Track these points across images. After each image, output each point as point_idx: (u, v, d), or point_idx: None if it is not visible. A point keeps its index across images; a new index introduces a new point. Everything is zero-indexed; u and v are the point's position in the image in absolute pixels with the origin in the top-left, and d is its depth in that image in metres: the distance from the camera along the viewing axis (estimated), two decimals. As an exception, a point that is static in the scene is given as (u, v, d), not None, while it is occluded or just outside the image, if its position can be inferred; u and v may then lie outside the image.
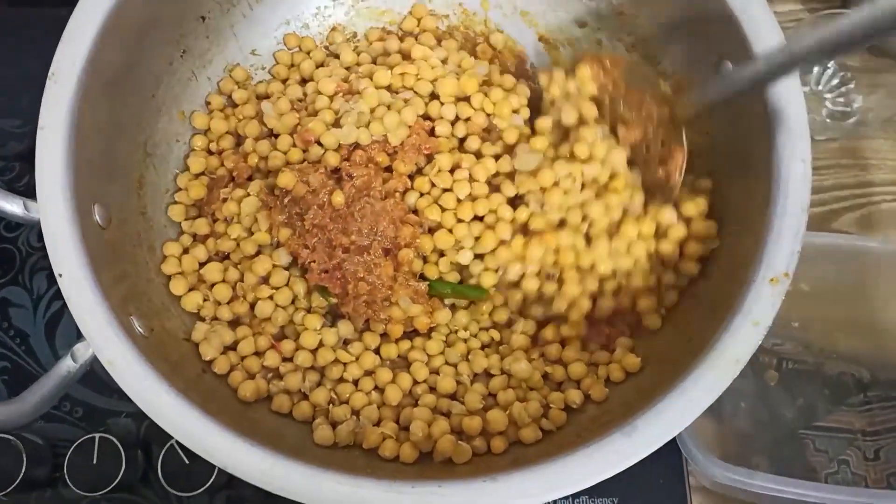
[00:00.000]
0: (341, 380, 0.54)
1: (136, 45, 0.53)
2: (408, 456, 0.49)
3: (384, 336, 0.55)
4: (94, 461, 0.56)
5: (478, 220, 0.55)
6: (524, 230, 0.55)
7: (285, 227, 0.54)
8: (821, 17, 0.68)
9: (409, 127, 0.56)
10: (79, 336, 0.44)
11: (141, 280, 0.52)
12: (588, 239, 0.53)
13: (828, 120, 0.70)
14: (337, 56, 0.62)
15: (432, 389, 0.54)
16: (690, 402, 0.43)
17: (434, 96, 0.59)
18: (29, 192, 0.46)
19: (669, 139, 0.51)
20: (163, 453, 0.56)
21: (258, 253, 0.56)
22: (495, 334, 0.56)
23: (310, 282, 0.54)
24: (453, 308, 0.57)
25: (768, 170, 0.47)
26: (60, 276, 0.44)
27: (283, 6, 0.63)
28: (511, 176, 0.56)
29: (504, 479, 0.42)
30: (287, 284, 0.55)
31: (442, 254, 0.56)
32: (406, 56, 0.61)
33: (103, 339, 0.43)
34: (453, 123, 0.58)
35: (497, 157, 0.57)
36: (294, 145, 0.57)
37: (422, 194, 0.56)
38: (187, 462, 0.56)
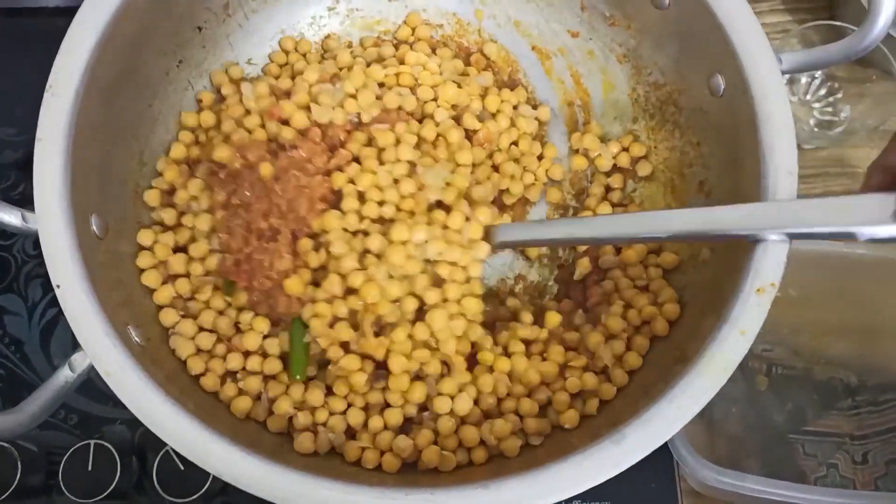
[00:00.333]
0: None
1: (132, 56, 0.53)
2: (391, 466, 0.49)
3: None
4: (90, 468, 0.56)
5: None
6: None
7: (222, 209, 0.54)
8: (808, 28, 0.68)
9: (387, 111, 0.56)
10: (74, 345, 0.44)
11: (136, 289, 0.52)
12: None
13: (815, 129, 0.71)
14: (334, 58, 0.63)
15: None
16: (679, 409, 0.43)
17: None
18: (25, 200, 0.47)
19: None
20: (158, 460, 0.56)
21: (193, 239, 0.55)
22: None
23: (219, 270, 0.53)
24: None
25: (756, 181, 0.48)
26: (58, 287, 0.44)
27: (279, 16, 0.64)
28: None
29: (496, 486, 0.42)
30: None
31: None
32: (402, 62, 0.61)
33: (101, 349, 0.44)
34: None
35: None
36: (262, 125, 0.57)
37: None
38: (182, 469, 0.56)
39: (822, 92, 0.72)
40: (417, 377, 0.52)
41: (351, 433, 0.51)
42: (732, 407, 0.65)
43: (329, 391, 0.52)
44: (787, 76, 0.60)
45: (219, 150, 0.54)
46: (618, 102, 0.62)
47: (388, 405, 0.52)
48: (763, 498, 0.54)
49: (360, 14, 0.65)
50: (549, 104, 0.64)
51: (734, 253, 0.48)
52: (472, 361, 0.54)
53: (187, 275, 0.54)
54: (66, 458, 0.56)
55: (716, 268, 0.52)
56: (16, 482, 0.56)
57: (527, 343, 0.55)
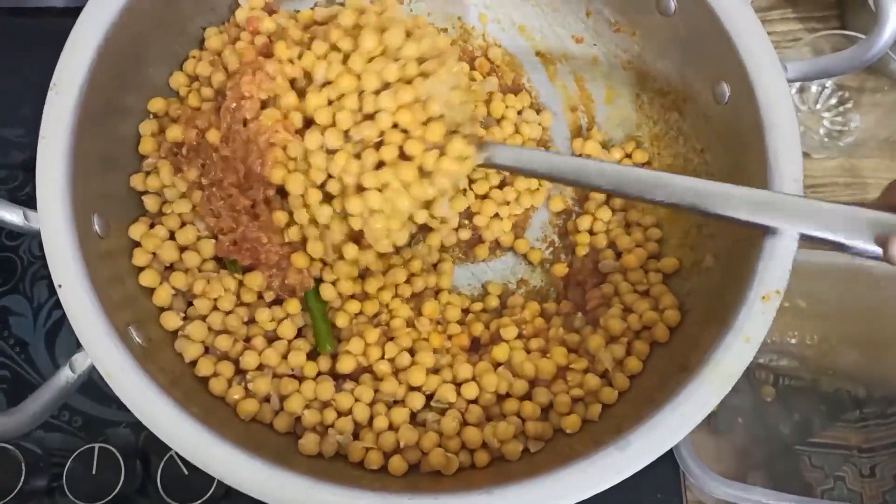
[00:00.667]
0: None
1: (136, 57, 0.53)
2: (397, 468, 0.49)
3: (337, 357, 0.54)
4: (94, 471, 0.56)
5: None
6: None
7: (197, 190, 0.53)
8: (819, 37, 0.68)
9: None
10: (78, 346, 0.44)
11: (138, 289, 0.52)
12: None
13: (825, 139, 0.70)
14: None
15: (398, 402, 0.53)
16: (683, 416, 0.43)
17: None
18: (31, 201, 0.46)
19: None
20: (162, 464, 0.56)
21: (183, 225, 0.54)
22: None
23: (217, 253, 0.53)
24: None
25: (761, 188, 0.47)
26: (60, 286, 0.44)
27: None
28: None
29: (499, 492, 0.42)
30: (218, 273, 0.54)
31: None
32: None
33: (102, 350, 0.44)
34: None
35: None
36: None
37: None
38: (186, 473, 0.56)
39: (833, 101, 0.72)
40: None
41: (356, 434, 0.51)
42: (739, 417, 0.64)
43: (337, 384, 0.53)
44: (796, 85, 0.60)
45: (170, 131, 0.53)
46: (621, 108, 0.62)
47: (395, 402, 0.52)
48: (769, 510, 0.53)
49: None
50: (552, 109, 0.64)
51: (738, 260, 0.48)
52: (473, 349, 0.56)
53: (185, 270, 0.53)
54: (70, 461, 0.56)
55: (719, 274, 0.51)
56: (20, 485, 0.56)
57: (522, 334, 0.56)
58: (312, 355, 0.54)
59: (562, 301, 0.59)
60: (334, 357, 0.54)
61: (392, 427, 0.51)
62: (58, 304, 0.63)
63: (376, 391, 0.52)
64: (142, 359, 0.45)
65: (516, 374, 0.53)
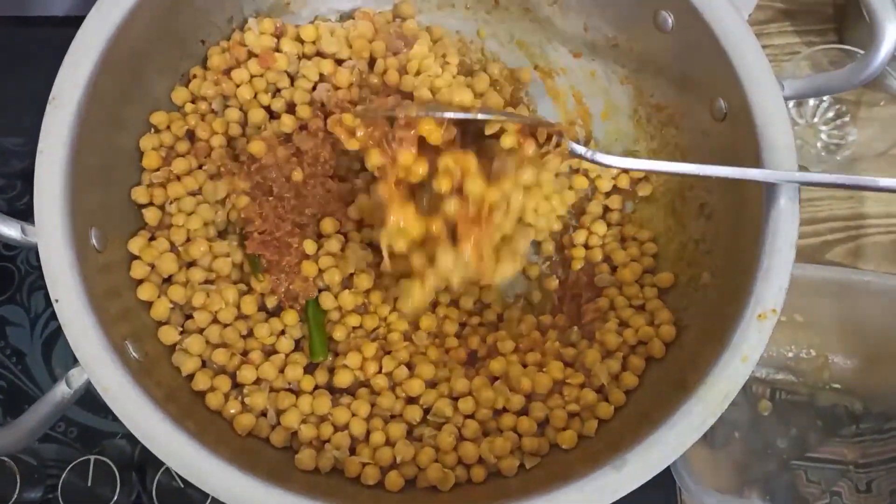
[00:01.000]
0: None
1: (135, 70, 0.53)
2: (394, 484, 0.49)
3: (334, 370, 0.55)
4: (89, 483, 0.56)
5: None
6: None
7: (244, 195, 0.55)
8: (818, 51, 0.68)
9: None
10: (75, 357, 0.44)
11: (135, 302, 0.52)
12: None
13: (822, 152, 0.70)
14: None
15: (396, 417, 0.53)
16: (679, 435, 0.43)
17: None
18: (30, 210, 0.46)
19: None
20: (157, 477, 0.56)
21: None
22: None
23: (248, 250, 0.55)
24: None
25: (758, 205, 0.47)
26: (57, 301, 0.44)
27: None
28: None
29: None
30: (232, 280, 0.55)
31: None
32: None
33: (98, 365, 0.44)
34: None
35: None
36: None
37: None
38: (182, 486, 0.56)
39: (830, 115, 0.72)
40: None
41: (352, 449, 0.51)
42: (735, 431, 0.64)
43: (334, 398, 0.53)
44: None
45: (254, 145, 0.56)
46: (619, 123, 0.62)
47: (392, 417, 0.52)
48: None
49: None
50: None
51: (735, 277, 0.48)
52: (470, 363, 0.56)
53: (184, 283, 0.54)
54: (65, 473, 0.56)
55: (716, 291, 0.51)
56: (15, 496, 0.55)
57: (519, 348, 0.56)
58: (309, 369, 0.54)
59: (557, 314, 0.59)
60: (331, 371, 0.54)
61: (389, 442, 0.51)
62: (55, 315, 0.63)
63: (373, 405, 0.53)
64: (138, 374, 0.45)
65: (513, 389, 0.53)
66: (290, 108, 0.59)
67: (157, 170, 0.56)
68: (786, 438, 0.64)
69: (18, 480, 0.56)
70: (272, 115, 0.59)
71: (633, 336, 0.54)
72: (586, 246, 0.60)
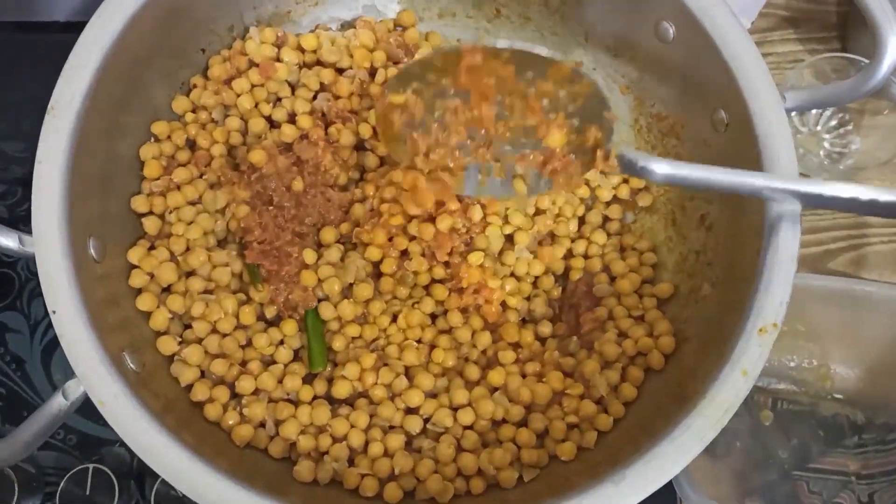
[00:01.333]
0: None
1: (135, 79, 0.54)
2: (392, 496, 0.49)
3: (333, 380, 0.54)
4: (87, 492, 0.56)
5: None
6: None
7: (244, 205, 0.55)
8: (821, 59, 0.68)
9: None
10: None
11: (133, 312, 0.52)
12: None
13: (825, 161, 0.70)
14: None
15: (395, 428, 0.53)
16: (679, 449, 0.43)
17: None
18: (30, 217, 0.46)
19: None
20: (156, 485, 0.56)
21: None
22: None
23: (247, 259, 0.54)
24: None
25: (759, 217, 0.47)
26: (54, 313, 0.44)
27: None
28: None
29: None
30: (232, 291, 0.55)
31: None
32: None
33: (95, 377, 0.44)
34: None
35: None
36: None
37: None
38: (180, 495, 0.55)
39: (833, 123, 0.72)
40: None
41: (351, 460, 0.51)
42: (737, 441, 0.64)
43: (333, 409, 0.52)
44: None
45: (254, 154, 0.56)
46: (620, 133, 0.62)
47: (390, 427, 0.52)
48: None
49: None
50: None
51: (735, 289, 0.48)
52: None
53: (183, 293, 0.54)
54: (63, 481, 0.56)
55: (717, 303, 0.51)
56: (13, 504, 0.55)
57: (519, 358, 0.56)
58: (308, 379, 0.54)
59: (556, 323, 0.59)
60: (330, 381, 0.54)
61: (387, 453, 0.51)
62: (55, 322, 0.64)
63: (372, 416, 0.52)
64: (135, 386, 0.45)
65: (512, 400, 0.53)
66: (291, 118, 0.59)
67: (158, 179, 0.56)
68: (787, 448, 0.64)
69: (17, 489, 0.56)
70: (273, 124, 0.59)
71: (632, 347, 0.54)
72: (585, 256, 0.60)
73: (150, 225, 0.55)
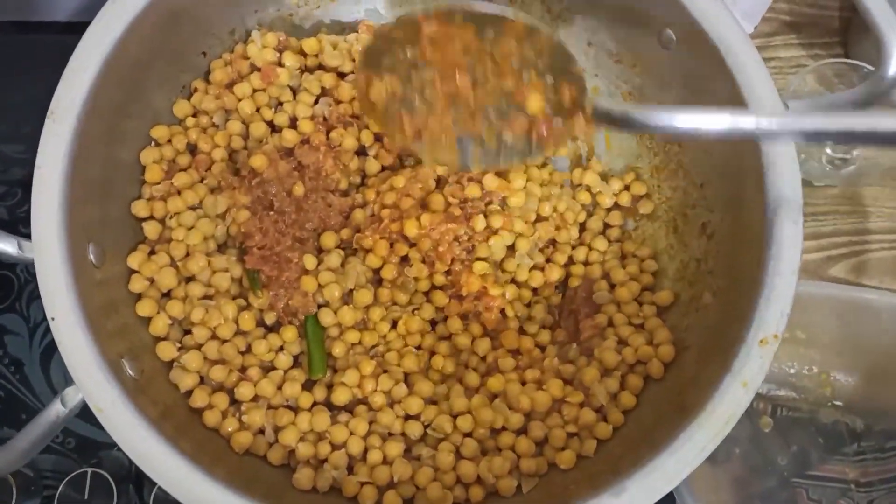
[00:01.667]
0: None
1: (136, 83, 0.53)
2: None
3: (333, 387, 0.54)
4: (86, 496, 0.56)
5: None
6: None
7: (245, 210, 0.55)
8: (824, 65, 0.68)
9: None
10: (73, 371, 0.44)
11: (132, 318, 0.52)
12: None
13: (827, 167, 0.70)
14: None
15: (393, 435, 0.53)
16: (679, 461, 0.43)
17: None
18: (29, 218, 0.46)
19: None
20: (155, 490, 0.56)
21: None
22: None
23: (247, 265, 0.54)
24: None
25: (760, 226, 0.47)
26: (53, 319, 0.44)
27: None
28: None
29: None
30: (232, 296, 0.55)
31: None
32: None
33: (94, 384, 0.43)
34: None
35: None
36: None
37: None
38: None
39: (835, 129, 0.71)
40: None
41: (350, 468, 0.51)
42: (736, 447, 0.64)
43: (332, 416, 0.52)
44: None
45: (255, 159, 0.55)
46: (622, 139, 0.62)
47: (390, 435, 0.52)
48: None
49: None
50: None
51: (737, 299, 0.48)
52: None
53: (182, 298, 0.54)
54: (62, 485, 0.56)
55: (718, 313, 0.51)
56: (10, 508, 0.55)
57: (519, 365, 0.55)
58: (307, 386, 0.54)
59: (556, 329, 0.59)
60: (329, 388, 0.54)
61: (386, 461, 0.51)
62: (54, 325, 0.63)
63: (371, 423, 0.52)
64: (133, 393, 0.45)
65: (512, 407, 0.53)
66: (293, 122, 0.59)
67: (159, 183, 0.55)
68: (787, 455, 0.64)
69: (15, 492, 0.56)
70: (274, 128, 0.59)
71: (632, 355, 0.54)
72: (585, 262, 0.60)
73: (151, 230, 0.55)
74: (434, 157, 0.49)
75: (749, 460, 0.64)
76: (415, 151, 0.49)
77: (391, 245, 0.56)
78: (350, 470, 0.51)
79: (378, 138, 0.59)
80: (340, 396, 0.53)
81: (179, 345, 0.53)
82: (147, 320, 0.52)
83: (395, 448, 0.51)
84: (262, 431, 0.52)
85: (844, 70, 0.68)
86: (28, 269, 0.66)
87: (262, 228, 0.55)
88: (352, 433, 0.51)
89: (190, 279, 0.54)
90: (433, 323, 0.58)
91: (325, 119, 0.59)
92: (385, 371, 0.54)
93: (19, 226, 0.67)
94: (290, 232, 0.56)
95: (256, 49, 0.58)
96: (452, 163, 0.49)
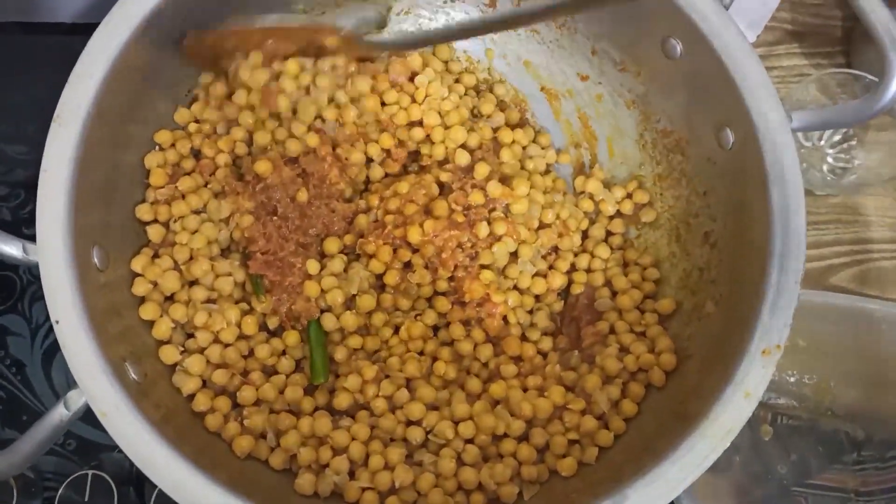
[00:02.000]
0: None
1: (141, 87, 0.53)
2: None
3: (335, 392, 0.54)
4: (86, 498, 0.56)
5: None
6: None
7: (249, 215, 0.56)
8: (826, 75, 0.68)
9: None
10: (75, 375, 0.44)
11: (135, 321, 0.52)
12: None
13: (829, 176, 0.70)
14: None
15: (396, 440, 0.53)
16: (681, 471, 0.43)
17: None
18: (33, 220, 0.46)
19: None
20: (155, 493, 0.56)
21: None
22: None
23: (250, 269, 0.55)
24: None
25: (764, 237, 0.47)
26: (57, 322, 0.44)
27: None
28: None
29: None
30: (235, 301, 0.55)
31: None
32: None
33: (97, 388, 0.43)
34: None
35: None
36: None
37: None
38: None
39: (837, 138, 0.72)
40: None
41: (351, 473, 0.51)
42: (736, 456, 0.64)
43: (333, 420, 0.52)
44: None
45: (260, 165, 0.56)
46: (625, 147, 0.62)
47: (391, 440, 0.52)
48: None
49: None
50: (555, 145, 0.64)
51: (739, 309, 0.48)
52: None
53: (186, 302, 0.54)
54: (62, 487, 0.56)
55: (720, 322, 0.51)
56: (11, 509, 0.55)
57: (521, 371, 0.56)
58: (309, 390, 0.54)
59: (558, 336, 0.59)
60: (331, 392, 0.54)
61: (388, 466, 0.51)
62: (56, 326, 0.63)
63: (373, 428, 0.52)
64: (136, 396, 0.45)
65: (514, 414, 0.53)
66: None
67: (163, 187, 0.56)
68: (787, 464, 0.64)
69: (15, 494, 0.56)
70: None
71: (633, 363, 0.54)
72: (588, 270, 0.60)
73: (155, 233, 0.55)
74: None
75: (749, 468, 0.64)
76: None
77: (394, 251, 0.56)
78: (351, 475, 0.51)
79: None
80: (342, 401, 0.53)
81: (182, 348, 0.53)
82: (150, 324, 0.52)
83: (396, 453, 0.51)
84: (263, 436, 0.52)
85: (847, 80, 0.68)
86: (30, 270, 0.66)
87: (265, 233, 0.55)
88: (353, 438, 0.51)
89: (193, 283, 0.54)
90: (435, 329, 0.58)
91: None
92: (387, 376, 0.54)
93: (22, 227, 0.67)
94: (293, 237, 0.56)
95: (247, 71, 0.56)
96: None
